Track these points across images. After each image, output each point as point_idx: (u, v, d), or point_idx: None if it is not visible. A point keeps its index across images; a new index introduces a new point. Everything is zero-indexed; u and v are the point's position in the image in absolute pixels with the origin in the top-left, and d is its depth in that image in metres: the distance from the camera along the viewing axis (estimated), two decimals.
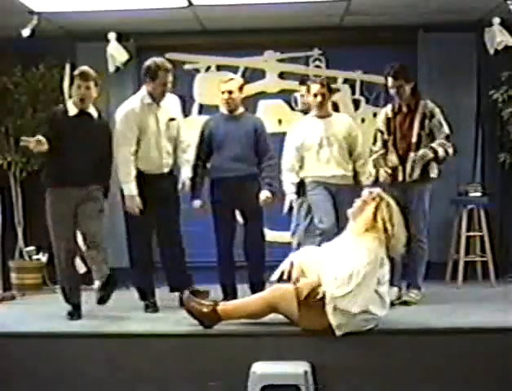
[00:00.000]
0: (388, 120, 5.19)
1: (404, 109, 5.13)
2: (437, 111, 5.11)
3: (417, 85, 5.24)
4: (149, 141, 4.92)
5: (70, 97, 4.95)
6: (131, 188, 4.82)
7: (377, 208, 4.14)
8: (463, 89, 6.43)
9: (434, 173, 5.11)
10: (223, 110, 5.30)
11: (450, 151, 5.04)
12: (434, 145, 5.02)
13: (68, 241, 4.73)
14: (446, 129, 5.07)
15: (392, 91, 5.11)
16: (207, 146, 5.23)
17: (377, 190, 4.27)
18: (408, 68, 5.15)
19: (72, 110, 4.75)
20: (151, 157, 4.93)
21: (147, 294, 4.99)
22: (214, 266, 5.38)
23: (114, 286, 4.73)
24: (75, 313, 4.70)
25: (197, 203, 5.24)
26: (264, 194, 5.10)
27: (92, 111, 4.80)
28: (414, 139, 5.06)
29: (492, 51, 6.26)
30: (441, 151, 5.01)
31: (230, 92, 5.18)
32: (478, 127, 6.48)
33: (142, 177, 4.88)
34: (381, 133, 5.21)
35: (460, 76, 6.39)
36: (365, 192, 4.27)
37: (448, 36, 6.39)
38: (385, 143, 5.17)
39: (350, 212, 4.26)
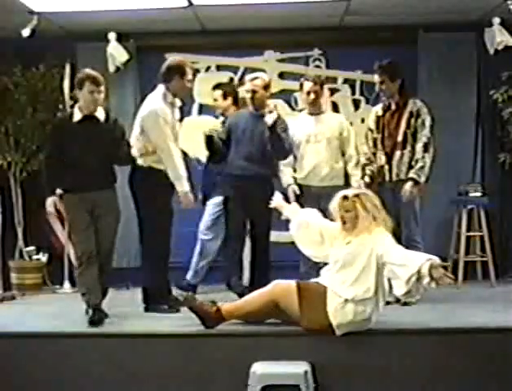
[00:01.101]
0: (378, 119, 5.20)
1: (393, 107, 5.14)
2: (424, 111, 5.08)
3: (405, 83, 5.18)
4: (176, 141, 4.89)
5: (71, 98, 4.91)
6: (185, 184, 4.76)
7: (362, 206, 4.10)
8: (463, 89, 6.43)
9: (419, 177, 5.06)
10: (250, 107, 5.24)
11: (426, 170, 5.01)
12: (414, 176, 4.98)
13: (88, 244, 4.62)
14: (427, 131, 5.03)
15: (377, 87, 5.13)
16: (226, 139, 5.20)
17: (350, 192, 4.19)
18: (396, 66, 5.14)
19: (77, 115, 4.67)
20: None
21: (161, 296, 4.87)
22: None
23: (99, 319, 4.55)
24: (95, 317, 4.46)
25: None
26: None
27: (99, 113, 4.72)
28: (400, 138, 5.06)
29: (492, 51, 6.26)
30: (423, 178, 5.00)
31: (254, 91, 5.11)
32: (478, 127, 6.47)
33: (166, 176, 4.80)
34: (371, 131, 5.22)
35: (460, 76, 6.39)
36: (344, 202, 4.13)
37: (448, 36, 6.39)
38: (375, 142, 5.18)
39: (347, 225, 4.13)
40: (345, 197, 4.12)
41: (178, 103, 4.96)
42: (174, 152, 4.74)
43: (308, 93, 5.29)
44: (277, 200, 4.62)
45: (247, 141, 5.11)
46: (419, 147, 5.01)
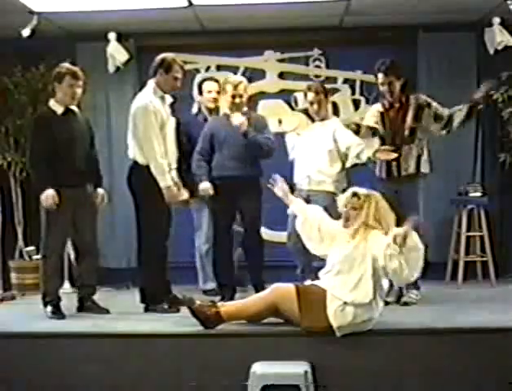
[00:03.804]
0: (382, 116, 5.15)
1: (396, 105, 5.12)
2: (430, 100, 5.10)
3: (408, 82, 5.18)
4: (168, 136, 4.86)
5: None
6: (168, 178, 4.73)
7: (368, 209, 4.09)
8: (463, 89, 6.41)
9: (425, 168, 5.11)
10: (226, 110, 5.28)
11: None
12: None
13: (61, 243, 4.82)
14: (446, 109, 5.06)
15: (382, 88, 5.10)
16: (209, 145, 5.26)
17: (362, 191, 4.16)
18: (399, 65, 5.14)
19: (59, 108, 4.80)
20: (170, 152, 4.87)
21: (160, 296, 4.88)
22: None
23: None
24: (58, 313, 4.75)
25: (206, 185, 5.19)
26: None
27: (74, 107, 4.88)
28: (407, 132, 5.06)
29: (492, 51, 6.27)
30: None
31: (241, 96, 5.19)
32: (478, 127, 6.47)
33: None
34: (371, 128, 5.14)
35: (460, 76, 6.38)
36: (353, 199, 4.13)
37: (448, 36, 6.39)
38: (383, 139, 5.14)
39: (348, 223, 4.14)
40: (355, 194, 4.12)
41: (169, 99, 4.94)
42: (156, 148, 4.70)
43: (312, 103, 5.31)
44: (282, 187, 4.57)
45: (230, 143, 5.16)
46: (448, 111, 5.04)
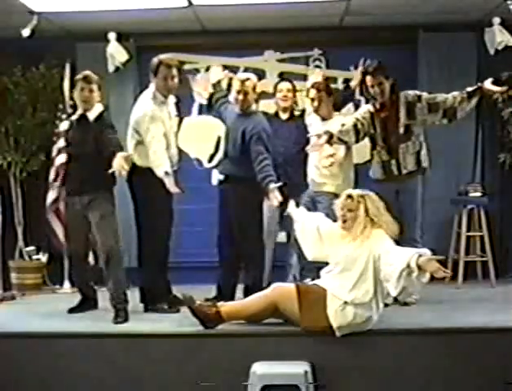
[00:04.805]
0: (372, 117, 5.13)
1: (388, 105, 5.11)
2: (419, 93, 5.08)
3: (397, 81, 5.13)
4: (169, 138, 4.88)
5: (71, 98, 5.00)
6: (165, 168, 4.66)
7: (365, 208, 4.09)
8: (463, 89, 6.41)
9: (425, 163, 5.11)
10: (236, 107, 5.18)
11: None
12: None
13: (76, 243, 4.89)
14: (439, 95, 5.03)
15: (373, 90, 5.06)
16: None
17: (356, 192, 4.16)
18: (385, 65, 5.11)
19: (75, 115, 4.85)
20: (171, 154, 4.89)
21: (161, 296, 4.90)
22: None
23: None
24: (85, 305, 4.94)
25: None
26: (274, 198, 4.72)
27: (94, 113, 4.78)
28: (402, 131, 5.05)
29: (492, 51, 6.27)
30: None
31: (246, 93, 5.02)
32: (478, 127, 6.47)
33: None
34: (357, 127, 5.12)
35: (460, 76, 6.38)
36: (347, 201, 4.12)
37: (448, 36, 6.39)
38: (373, 140, 5.14)
39: (346, 224, 4.13)
40: (349, 196, 4.12)
41: (172, 99, 4.94)
42: (155, 151, 4.70)
43: (313, 99, 5.31)
44: (290, 207, 4.64)
45: (229, 142, 5.06)
46: (452, 94, 5.03)
